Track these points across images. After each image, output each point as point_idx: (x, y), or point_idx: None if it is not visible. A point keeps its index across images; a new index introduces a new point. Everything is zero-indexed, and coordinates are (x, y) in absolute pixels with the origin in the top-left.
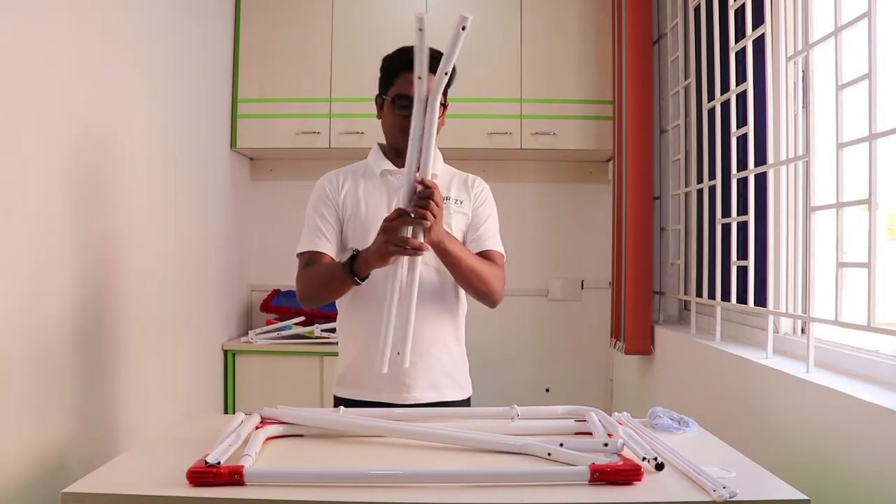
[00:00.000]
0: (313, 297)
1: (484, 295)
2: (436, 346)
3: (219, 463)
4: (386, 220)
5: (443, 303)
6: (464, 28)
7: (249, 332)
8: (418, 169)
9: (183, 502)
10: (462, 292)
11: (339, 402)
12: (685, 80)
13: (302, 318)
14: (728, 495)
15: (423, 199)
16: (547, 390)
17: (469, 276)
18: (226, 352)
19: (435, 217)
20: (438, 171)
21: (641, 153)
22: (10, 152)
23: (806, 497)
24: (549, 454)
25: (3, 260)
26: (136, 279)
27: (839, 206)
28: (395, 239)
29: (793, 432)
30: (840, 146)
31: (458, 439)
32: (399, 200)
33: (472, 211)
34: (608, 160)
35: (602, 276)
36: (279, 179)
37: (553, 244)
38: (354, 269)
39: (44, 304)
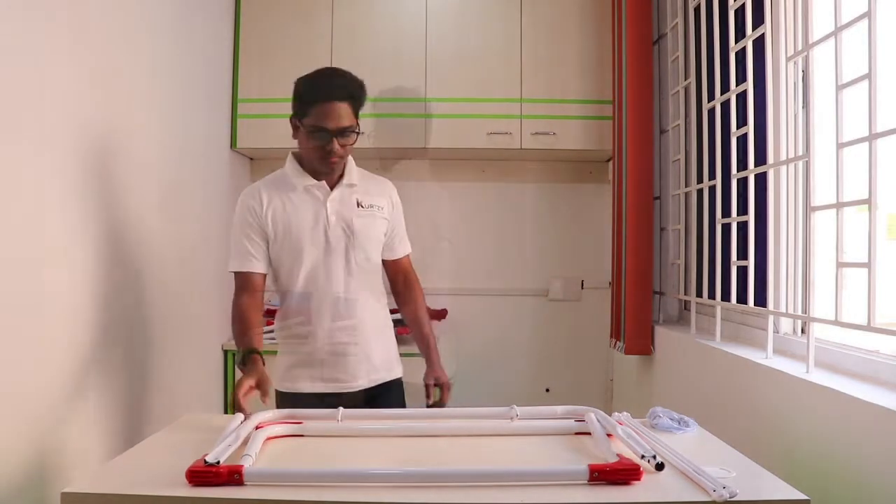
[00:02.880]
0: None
1: None
2: (378, 332)
3: (218, 462)
4: (238, 388)
5: (377, 289)
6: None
7: None
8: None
9: (183, 502)
10: (385, 279)
11: (285, 396)
12: (685, 80)
13: None
14: (728, 495)
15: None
16: (547, 390)
17: None
18: (226, 352)
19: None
20: (355, 180)
21: (641, 153)
22: (10, 152)
23: (806, 497)
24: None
25: (2, 260)
26: (136, 279)
27: (839, 206)
28: (239, 394)
29: (793, 432)
30: (840, 146)
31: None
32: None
33: (390, 216)
34: (608, 160)
35: (602, 276)
36: None
37: (553, 244)
38: (245, 360)
39: (43, 304)
